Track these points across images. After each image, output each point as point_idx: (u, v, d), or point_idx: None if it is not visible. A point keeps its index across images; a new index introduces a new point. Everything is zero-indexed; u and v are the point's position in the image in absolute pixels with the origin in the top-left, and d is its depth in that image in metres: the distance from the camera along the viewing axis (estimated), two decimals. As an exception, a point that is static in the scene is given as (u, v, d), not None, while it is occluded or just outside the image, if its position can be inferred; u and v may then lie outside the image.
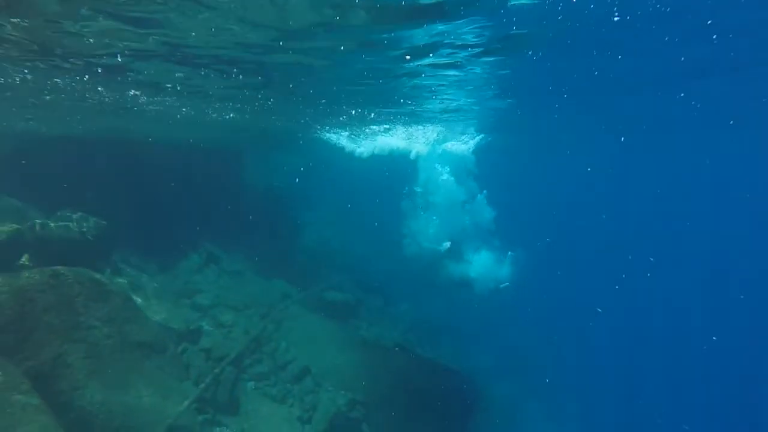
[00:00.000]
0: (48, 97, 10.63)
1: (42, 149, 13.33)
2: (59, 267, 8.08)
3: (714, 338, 29.74)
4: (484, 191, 15.35)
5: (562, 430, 18.66)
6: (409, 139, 18.95)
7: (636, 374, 24.91)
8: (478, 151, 20.31)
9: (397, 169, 21.04)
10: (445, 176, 18.24)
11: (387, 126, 16.03)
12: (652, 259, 36.25)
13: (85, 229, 10.22)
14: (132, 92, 9.91)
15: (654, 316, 32.26)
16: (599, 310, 28.72)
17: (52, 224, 9.72)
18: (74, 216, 10.45)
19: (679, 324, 31.93)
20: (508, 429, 16.72)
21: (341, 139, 19.63)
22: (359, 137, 18.81)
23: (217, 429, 9.45)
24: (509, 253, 18.42)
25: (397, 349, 14.01)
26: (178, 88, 9.53)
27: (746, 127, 15.50)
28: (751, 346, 29.97)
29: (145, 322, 9.36)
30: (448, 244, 18.39)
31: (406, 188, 20.95)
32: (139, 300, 10.10)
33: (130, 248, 13.19)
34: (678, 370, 27.70)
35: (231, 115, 13.90)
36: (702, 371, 27.52)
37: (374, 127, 16.42)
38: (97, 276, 8.70)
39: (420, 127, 16.14)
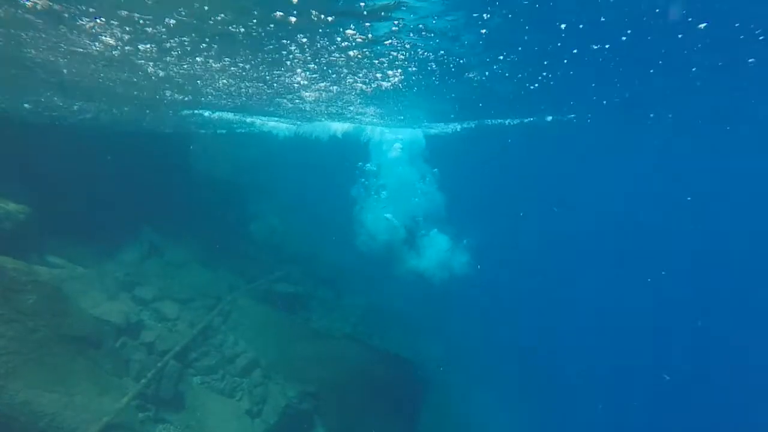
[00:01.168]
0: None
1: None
2: (-27, 254, 7.26)
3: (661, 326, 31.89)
4: (437, 179, 15.32)
5: (510, 417, 19.36)
6: (359, 124, 18.54)
7: (585, 367, 26.19)
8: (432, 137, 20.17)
9: (350, 157, 20.79)
10: (397, 165, 18.20)
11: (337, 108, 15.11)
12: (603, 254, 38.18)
13: (4, 215, 9.25)
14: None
15: (606, 311, 33.99)
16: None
17: (-34, 208, 8.72)
18: (-7, 200, 9.43)
19: (631, 316, 33.87)
20: (458, 416, 17.11)
21: (286, 125, 18.97)
22: (309, 123, 18.24)
23: (161, 426, 8.92)
24: (463, 242, 18.72)
25: (347, 340, 13.88)
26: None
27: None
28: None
29: (78, 314, 8.62)
30: (401, 235, 18.46)
31: (358, 178, 20.80)
32: (71, 292, 9.28)
33: (63, 237, 12.12)
34: (627, 360, 29.42)
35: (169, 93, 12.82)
36: (650, 358, 29.41)
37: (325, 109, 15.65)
38: (20, 264, 7.89)
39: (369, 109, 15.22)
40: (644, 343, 31.59)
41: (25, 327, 7.54)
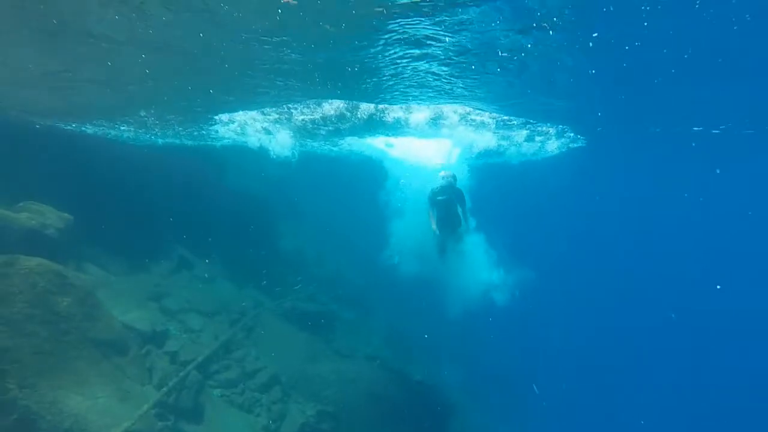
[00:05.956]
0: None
1: (9, 138, 12.83)
2: (16, 255, 7.63)
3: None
4: (468, 205, 14.43)
5: None
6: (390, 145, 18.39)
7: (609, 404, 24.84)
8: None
9: (378, 181, 20.96)
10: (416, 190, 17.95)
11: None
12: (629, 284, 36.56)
13: (48, 222, 9.74)
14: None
15: (631, 345, 32.28)
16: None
17: (11, 215, 9.22)
18: (38, 208, 9.96)
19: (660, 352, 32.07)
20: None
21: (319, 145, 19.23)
22: (337, 143, 18.45)
23: (178, 437, 8.94)
24: (494, 275, 18.15)
25: (369, 362, 13.67)
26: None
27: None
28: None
29: (107, 320, 8.88)
30: (426, 262, 18.19)
31: (386, 202, 20.89)
32: (103, 299, 9.58)
33: (98, 247, 12.65)
34: (658, 400, 27.74)
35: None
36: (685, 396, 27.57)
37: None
38: (59, 268, 8.24)
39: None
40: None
41: (58, 328, 7.82)
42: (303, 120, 13.76)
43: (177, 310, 11.96)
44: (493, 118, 13.31)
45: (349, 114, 12.81)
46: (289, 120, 13.95)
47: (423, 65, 8.17)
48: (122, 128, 15.28)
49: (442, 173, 12.83)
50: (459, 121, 13.40)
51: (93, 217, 11.88)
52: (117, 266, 12.73)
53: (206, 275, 14.68)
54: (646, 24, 6.16)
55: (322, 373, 12.36)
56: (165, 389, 8.86)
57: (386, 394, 12.44)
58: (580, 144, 16.76)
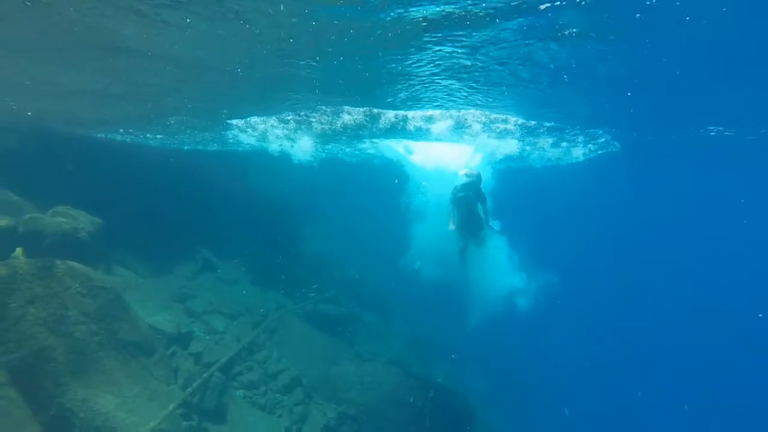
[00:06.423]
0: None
1: (46, 145, 13.35)
2: (50, 258, 7.93)
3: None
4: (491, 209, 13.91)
5: None
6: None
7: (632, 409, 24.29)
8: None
9: (399, 185, 20.96)
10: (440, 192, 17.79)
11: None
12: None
13: (80, 226, 10.10)
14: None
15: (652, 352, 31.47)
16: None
17: (46, 219, 9.60)
18: (70, 212, 10.35)
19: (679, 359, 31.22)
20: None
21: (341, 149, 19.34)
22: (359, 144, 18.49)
23: (202, 437, 9.13)
24: (516, 279, 17.87)
25: (390, 365, 13.67)
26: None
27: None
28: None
29: (135, 321, 9.13)
30: (448, 266, 18.05)
31: (408, 205, 20.85)
32: (130, 300, 9.87)
33: (126, 250, 13.05)
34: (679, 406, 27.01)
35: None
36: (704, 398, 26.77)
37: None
38: (90, 271, 8.53)
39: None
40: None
41: (89, 329, 8.09)
42: (323, 129, 13.93)
43: (201, 312, 12.23)
44: (518, 125, 13.14)
45: (369, 124, 12.92)
46: (309, 128, 14.14)
47: (452, 76, 8.19)
48: (148, 135, 15.79)
49: (464, 171, 12.41)
50: (482, 128, 13.27)
51: (121, 221, 12.27)
52: (143, 268, 13.10)
53: (229, 277, 14.95)
54: (685, 41, 6.03)
55: (343, 376, 12.44)
56: (189, 390, 9.06)
57: (407, 398, 12.42)
58: (613, 149, 16.32)
